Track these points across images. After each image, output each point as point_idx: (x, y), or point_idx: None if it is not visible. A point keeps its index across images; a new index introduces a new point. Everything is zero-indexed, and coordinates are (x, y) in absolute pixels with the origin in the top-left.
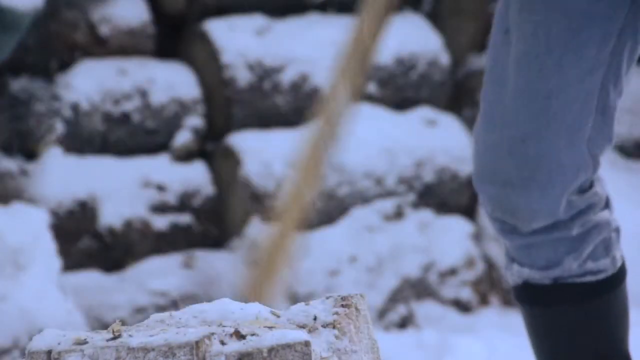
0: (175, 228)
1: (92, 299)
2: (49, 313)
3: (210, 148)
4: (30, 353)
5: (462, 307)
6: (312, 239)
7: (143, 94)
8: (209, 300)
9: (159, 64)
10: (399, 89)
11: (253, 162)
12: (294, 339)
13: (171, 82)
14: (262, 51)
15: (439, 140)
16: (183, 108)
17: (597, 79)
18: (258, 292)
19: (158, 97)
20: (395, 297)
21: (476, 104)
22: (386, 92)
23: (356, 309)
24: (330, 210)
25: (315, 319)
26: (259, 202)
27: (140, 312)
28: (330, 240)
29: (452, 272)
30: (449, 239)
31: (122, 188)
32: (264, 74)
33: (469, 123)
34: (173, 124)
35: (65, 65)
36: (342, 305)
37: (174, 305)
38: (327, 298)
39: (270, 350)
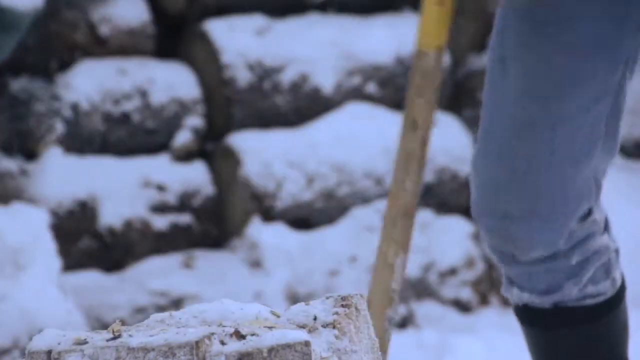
0: (175, 228)
1: (92, 299)
2: (49, 313)
3: (210, 148)
4: (30, 353)
5: (462, 307)
6: (312, 239)
7: (143, 94)
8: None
9: (159, 64)
10: (399, 89)
11: (253, 162)
12: (294, 339)
13: (171, 82)
14: (262, 51)
15: (439, 140)
16: (183, 108)
17: (605, 106)
18: None
19: (158, 97)
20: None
21: (476, 104)
22: (386, 92)
23: (356, 309)
24: (330, 210)
25: (315, 319)
26: (259, 202)
27: (140, 312)
28: (330, 240)
29: (452, 272)
30: (449, 239)
31: (122, 188)
32: (264, 74)
33: (469, 123)
34: (173, 124)
35: (65, 65)
36: (342, 305)
37: (175, 305)
38: (327, 298)
39: (270, 350)
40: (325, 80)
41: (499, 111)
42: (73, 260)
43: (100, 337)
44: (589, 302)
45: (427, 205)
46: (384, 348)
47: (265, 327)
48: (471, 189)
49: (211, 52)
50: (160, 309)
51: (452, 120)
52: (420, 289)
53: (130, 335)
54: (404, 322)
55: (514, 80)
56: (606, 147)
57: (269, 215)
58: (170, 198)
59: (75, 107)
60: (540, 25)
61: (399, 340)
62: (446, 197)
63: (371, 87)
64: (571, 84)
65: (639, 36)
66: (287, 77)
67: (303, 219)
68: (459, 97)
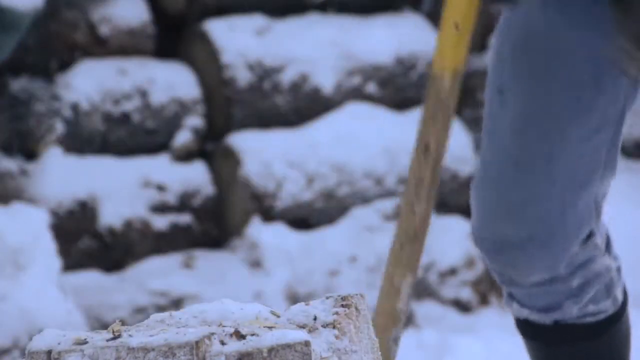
0: (175, 228)
1: (92, 299)
2: (49, 313)
3: (210, 148)
4: (30, 353)
5: (462, 307)
6: (312, 239)
7: (143, 94)
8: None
9: (159, 64)
10: (399, 89)
11: (253, 162)
12: (294, 339)
13: (171, 82)
14: (262, 51)
15: None
16: (183, 108)
17: (607, 134)
18: None
19: (158, 97)
20: None
21: (476, 104)
22: (386, 92)
23: (356, 309)
24: (330, 210)
25: (315, 319)
26: (259, 202)
27: (140, 312)
28: (330, 240)
29: (452, 272)
30: (449, 239)
31: (122, 188)
32: (264, 74)
33: (469, 123)
34: (173, 124)
35: (65, 65)
36: (342, 305)
37: (175, 305)
38: (327, 298)
39: (270, 350)
40: (325, 80)
41: (498, 141)
42: (73, 260)
43: (100, 337)
44: (589, 320)
45: None
46: None
47: (265, 327)
48: (472, 211)
49: (211, 52)
50: (160, 309)
51: (452, 121)
52: (420, 289)
53: (130, 335)
54: (404, 322)
55: (512, 112)
56: (607, 171)
57: (269, 215)
58: (170, 198)
59: (75, 107)
60: (538, 58)
61: None
62: (446, 197)
63: (371, 87)
64: (571, 116)
65: None
66: (287, 77)
67: (303, 219)
68: (459, 97)
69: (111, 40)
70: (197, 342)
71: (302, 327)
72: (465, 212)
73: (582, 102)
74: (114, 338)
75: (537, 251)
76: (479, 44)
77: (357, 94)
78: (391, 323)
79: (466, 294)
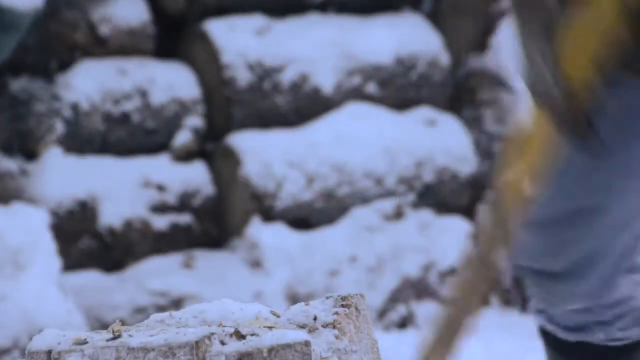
0: (175, 228)
1: (92, 299)
2: (49, 313)
3: (210, 148)
4: (30, 353)
5: None
6: (312, 239)
7: (143, 94)
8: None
9: (159, 64)
10: (399, 89)
11: (253, 162)
12: (294, 339)
13: (171, 82)
14: (262, 51)
15: (439, 140)
16: (183, 108)
17: None
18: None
19: (158, 97)
20: (395, 297)
21: (476, 104)
22: (386, 92)
23: (356, 309)
24: (330, 210)
25: (315, 319)
26: (259, 202)
27: (140, 312)
28: (330, 240)
29: (452, 272)
30: (449, 239)
31: (122, 188)
32: (264, 74)
33: (469, 123)
34: (173, 124)
35: (65, 65)
36: (342, 305)
37: (175, 305)
38: (327, 298)
39: (270, 350)
40: (325, 80)
41: (564, 193)
42: (73, 260)
43: (100, 337)
44: (615, 344)
45: (427, 205)
46: None
47: (265, 327)
48: (519, 236)
49: (211, 52)
50: (160, 309)
51: (452, 120)
52: (420, 289)
53: (130, 335)
54: (404, 322)
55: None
56: None
57: (269, 215)
58: (170, 198)
59: (75, 107)
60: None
61: (399, 340)
62: (446, 197)
63: (371, 87)
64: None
65: None
66: (287, 77)
67: (303, 219)
68: (459, 97)
69: (111, 40)
70: (197, 342)
71: (302, 327)
72: (465, 212)
73: None
74: (114, 338)
75: (579, 282)
76: (479, 44)
77: (357, 94)
78: None
79: None
